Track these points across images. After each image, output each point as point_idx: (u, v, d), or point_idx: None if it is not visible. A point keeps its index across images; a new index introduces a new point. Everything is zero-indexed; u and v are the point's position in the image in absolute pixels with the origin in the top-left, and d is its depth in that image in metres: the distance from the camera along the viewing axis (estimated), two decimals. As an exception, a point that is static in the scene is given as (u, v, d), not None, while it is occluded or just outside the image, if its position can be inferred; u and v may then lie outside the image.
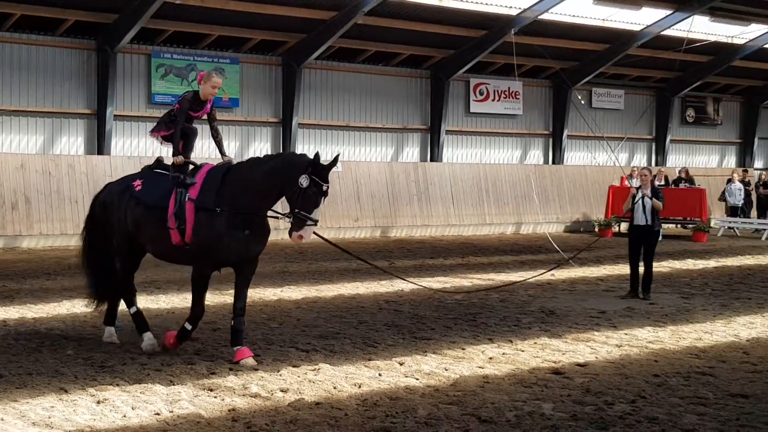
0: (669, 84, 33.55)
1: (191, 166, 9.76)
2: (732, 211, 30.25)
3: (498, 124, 30.00)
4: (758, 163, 37.27)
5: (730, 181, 30.67)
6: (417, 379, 8.68)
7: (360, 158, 27.24)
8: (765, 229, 28.65)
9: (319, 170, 9.04)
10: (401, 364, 9.29)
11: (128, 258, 10.06)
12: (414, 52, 27.38)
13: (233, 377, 8.52)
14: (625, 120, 32.93)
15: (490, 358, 9.74)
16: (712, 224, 28.60)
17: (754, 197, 31.62)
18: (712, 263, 20.21)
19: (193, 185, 9.42)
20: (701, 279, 17.32)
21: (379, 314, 12.51)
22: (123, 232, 9.83)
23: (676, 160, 34.56)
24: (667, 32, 28.68)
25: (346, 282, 15.68)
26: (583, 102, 29.92)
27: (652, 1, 27.16)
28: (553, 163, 31.08)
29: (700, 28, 29.02)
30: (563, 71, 29.73)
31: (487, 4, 25.58)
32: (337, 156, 9.47)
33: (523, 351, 10.16)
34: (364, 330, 11.24)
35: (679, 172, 30.67)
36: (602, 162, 31.84)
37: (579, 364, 9.50)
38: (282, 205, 9.49)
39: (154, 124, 10.41)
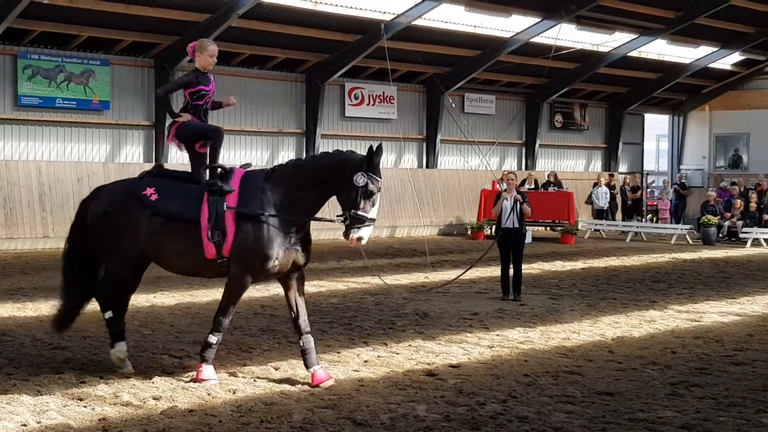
0: (538, 90, 34.39)
1: (219, 170, 8.85)
2: (598, 213, 31.28)
3: (373, 128, 30.18)
4: (622, 167, 38.56)
5: (596, 184, 31.70)
6: (292, 383, 8.68)
7: (235, 162, 26.94)
8: (630, 231, 29.69)
9: (373, 166, 8.55)
10: (277, 369, 9.28)
11: (128, 272, 8.99)
12: (289, 56, 27.32)
13: (104, 386, 8.35)
14: (496, 125, 33.62)
15: (365, 361, 9.81)
16: (579, 227, 29.46)
17: (619, 200, 32.78)
18: (579, 265, 20.83)
19: (231, 192, 8.60)
20: (569, 280, 17.83)
21: (254, 319, 12.45)
22: (130, 245, 8.77)
23: (545, 164, 35.46)
24: (536, 39, 29.42)
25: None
26: (454, 106, 30.36)
27: (521, 9, 27.81)
28: (427, 167, 31.48)
29: (567, 36, 29.89)
30: (437, 76, 30.16)
31: (361, 9, 25.73)
32: (380, 145, 8.78)
33: (397, 353, 10.27)
34: (239, 335, 11.17)
35: (548, 175, 31.53)
36: (474, 166, 32.41)
37: (452, 366, 9.66)
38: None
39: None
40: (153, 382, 8.55)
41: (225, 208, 8.53)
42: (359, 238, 8.56)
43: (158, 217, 8.67)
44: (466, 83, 31.33)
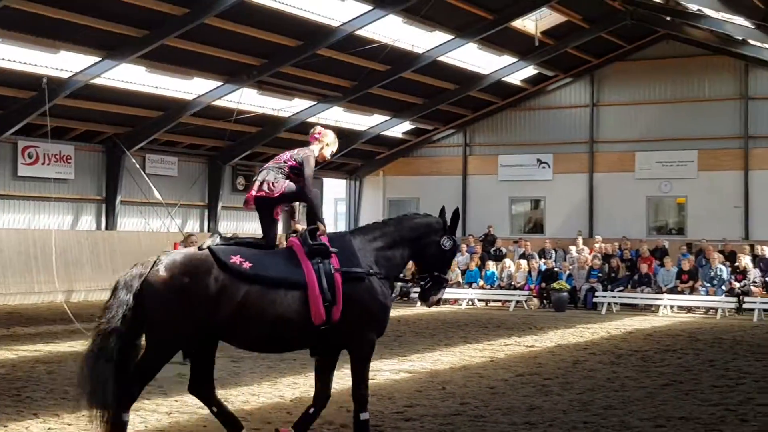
0: (221, 152, 34.64)
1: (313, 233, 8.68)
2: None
3: (49, 189, 28.99)
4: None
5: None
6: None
7: None
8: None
9: (455, 229, 8.93)
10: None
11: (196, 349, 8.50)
12: (-46, 111, 25.79)
13: None
14: (178, 186, 33.39)
15: (35, 435, 9.38)
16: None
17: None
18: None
19: (334, 253, 8.44)
20: (250, 342, 17.93)
21: None
22: (205, 320, 8.07)
23: (228, 226, 35.62)
24: (218, 102, 29.76)
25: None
26: (138, 167, 29.89)
27: (203, 72, 28.05)
28: (107, 228, 30.64)
29: (250, 100, 30.52)
30: (117, 136, 29.61)
31: (36, 65, 24.83)
32: (458, 209, 9.04)
33: (70, 425, 9.89)
34: None
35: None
36: (156, 228, 31.96)
37: (128, 435, 9.42)
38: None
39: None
40: None
41: (333, 270, 8.37)
42: (439, 300, 8.97)
43: (256, 286, 8.14)
44: (147, 144, 30.97)
